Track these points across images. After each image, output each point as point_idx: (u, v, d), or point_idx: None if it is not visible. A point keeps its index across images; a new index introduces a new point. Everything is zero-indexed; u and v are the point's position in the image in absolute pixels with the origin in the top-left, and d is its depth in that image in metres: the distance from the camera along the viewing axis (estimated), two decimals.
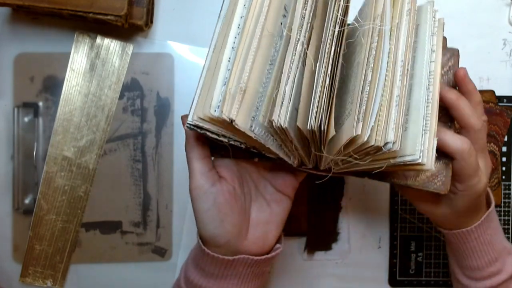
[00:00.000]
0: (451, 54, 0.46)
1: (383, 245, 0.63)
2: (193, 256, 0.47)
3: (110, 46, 0.61)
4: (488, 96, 0.62)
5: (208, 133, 0.38)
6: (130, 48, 0.61)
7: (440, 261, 0.63)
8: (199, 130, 0.38)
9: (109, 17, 0.56)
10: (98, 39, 0.61)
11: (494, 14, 0.63)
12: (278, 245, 0.47)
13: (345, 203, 0.63)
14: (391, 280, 0.63)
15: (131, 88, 0.61)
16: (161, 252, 0.62)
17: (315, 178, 0.42)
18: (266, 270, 0.48)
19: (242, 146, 0.39)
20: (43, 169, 0.60)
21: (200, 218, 0.43)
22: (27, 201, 0.61)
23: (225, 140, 0.39)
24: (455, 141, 0.43)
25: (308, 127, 0.34)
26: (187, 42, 0.62)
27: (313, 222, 0.62)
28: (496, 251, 0.48)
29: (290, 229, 0.62)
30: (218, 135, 0.38)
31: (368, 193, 0.63)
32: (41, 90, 0.61)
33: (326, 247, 0.63)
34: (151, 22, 0.61)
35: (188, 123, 0.39)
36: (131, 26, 0.58)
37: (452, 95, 0.44)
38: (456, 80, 0.46)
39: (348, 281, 0.63)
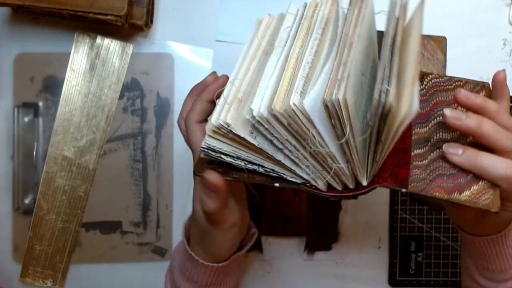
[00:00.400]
0: (481, 87, 0.44)
1: (383, 245, 0.63)
2: (182, 271, 0.47)
3: (110, 46, 0.61)
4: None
5: (222, 156, 0.38)
6: (130, 48, 0.61)
7: (440, 261, 0.63)
8: (212, 153, 0.38)
9: (109, 17, 0.56)
10: (98, 39, 0.61)
11: (494, 14, 0.63)
12: (253, 230, 0.49)
13: (345, 203, 0.63)
14: (391, 280, 0.63)
15: (131, 88, 0.61)
16: (161, 252, 0.62)
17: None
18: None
19: (260, 169, 0.38)
20: (43, 169, 0.60)
21: (225, 245, 0.44)
22: (27, 201, 0.61)
23: (242, 163, 0.38)
24: (495, 167, 0.36)
25: (381, 99, 0.32)
26: (187, 42, 0.62)
27: (313, 222, 0.62)
28: None
29: (290, 229, 0.62)
30: (233, 157, 0.38)
31: None
32: (41, 90, 0.61)
33: (326, 247, 0.63)
34: (151, 22, 0.61)
35: (201, 147, 0.38)
36: (131, 26, 0.58)
37: (472, 122, 0.37)
38: (494, 81, 0.42)
39: (348, 281, 0.63)
